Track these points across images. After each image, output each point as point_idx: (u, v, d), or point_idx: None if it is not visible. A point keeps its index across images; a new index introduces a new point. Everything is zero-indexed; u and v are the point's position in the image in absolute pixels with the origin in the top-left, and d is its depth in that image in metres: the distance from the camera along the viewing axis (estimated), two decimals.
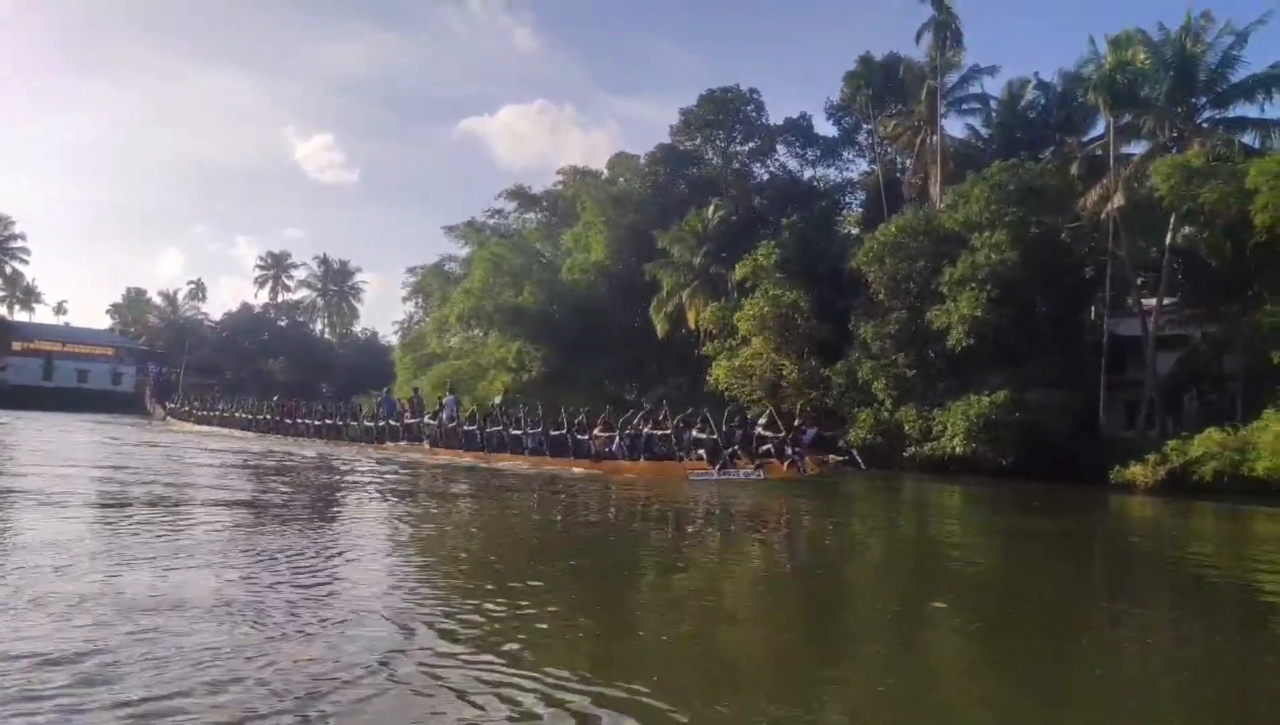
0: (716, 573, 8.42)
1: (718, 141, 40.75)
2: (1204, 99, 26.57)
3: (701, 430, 18.81)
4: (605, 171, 44.83)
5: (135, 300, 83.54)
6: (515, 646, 4.80)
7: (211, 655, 4.30)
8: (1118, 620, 7.04)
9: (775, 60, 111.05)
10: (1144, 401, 26.39)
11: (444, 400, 26.73)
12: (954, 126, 35.62)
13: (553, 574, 7.72)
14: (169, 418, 40.93)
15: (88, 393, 63.18)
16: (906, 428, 25.80)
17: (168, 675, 3.98)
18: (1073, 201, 27.68)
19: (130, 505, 10.59)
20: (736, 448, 17.92)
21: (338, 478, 17.21)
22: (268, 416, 33.30)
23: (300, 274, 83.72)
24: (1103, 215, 26.70)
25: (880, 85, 34.10)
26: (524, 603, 5.93)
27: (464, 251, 49.44)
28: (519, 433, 22.36)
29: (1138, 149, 27.81)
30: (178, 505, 10.87)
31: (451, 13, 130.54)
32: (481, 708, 3.82)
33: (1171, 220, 25.58)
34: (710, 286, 34.14)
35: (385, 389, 34.51)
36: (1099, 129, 30.32)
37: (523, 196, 48.52)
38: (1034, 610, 7.24)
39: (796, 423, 19.11)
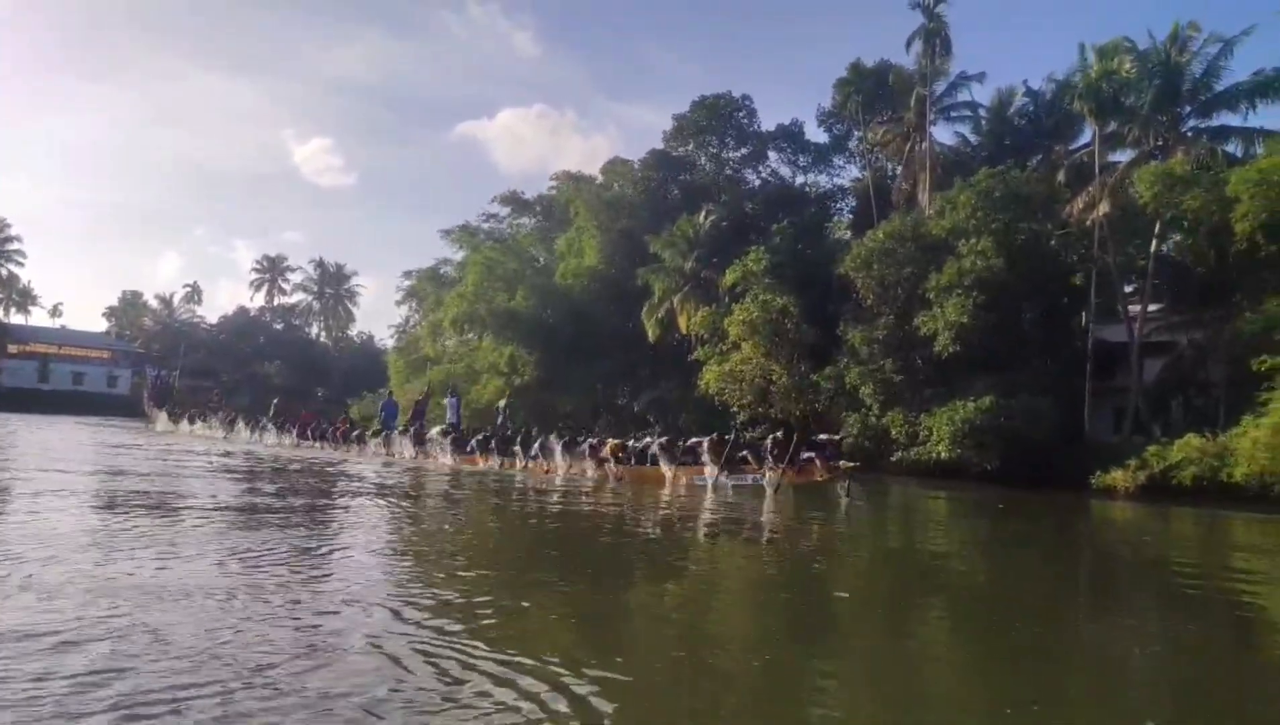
0: (707, 575, 8.43)
1: (710, 148, 41.00)
2: (1188, 108, 26.83)
3: (708, 447, 18.13)
4: (600, 176, 45.01)
5: (131, 303, 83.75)
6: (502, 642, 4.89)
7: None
8: (1096, 623, 7.20)
9: (772, 66, 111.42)
10: (1128, 407, 26.58)
11: (447, 402, 26.60)
12: (944, 134, 35.89)
13: (541, 575, 7.73)
14: (167, 422, 40.58)
15: (83, 395, 63.32)
16: (893, 432, 26.00)
17: (131, 649, 4.24)
18: (1060, 208, 27.94)
19: (125, 508, 10.73)
20: (745, 453, 17.77)
21: (337, 485, 16.84)
22: (268, 421, 32.94)
23: (296, 277, 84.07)
24: (1088, 222, 26.95)
25: (871, 92, 34.33)
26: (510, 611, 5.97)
27: (459, 255, 49.70)
28: (524, 441, 22.32)
29: (1124, 157, 28.12)
30: (176, 509, 11.01)
31: (451, 17, 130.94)
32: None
33: (1156, 227, 25.82)
34: (702, 291, 34.36)
35: (388, 393, 34.27)
36: (1086, 137, 30.59)
37: (516, 201, 48.77)
38: (1012, 613, 7.31)
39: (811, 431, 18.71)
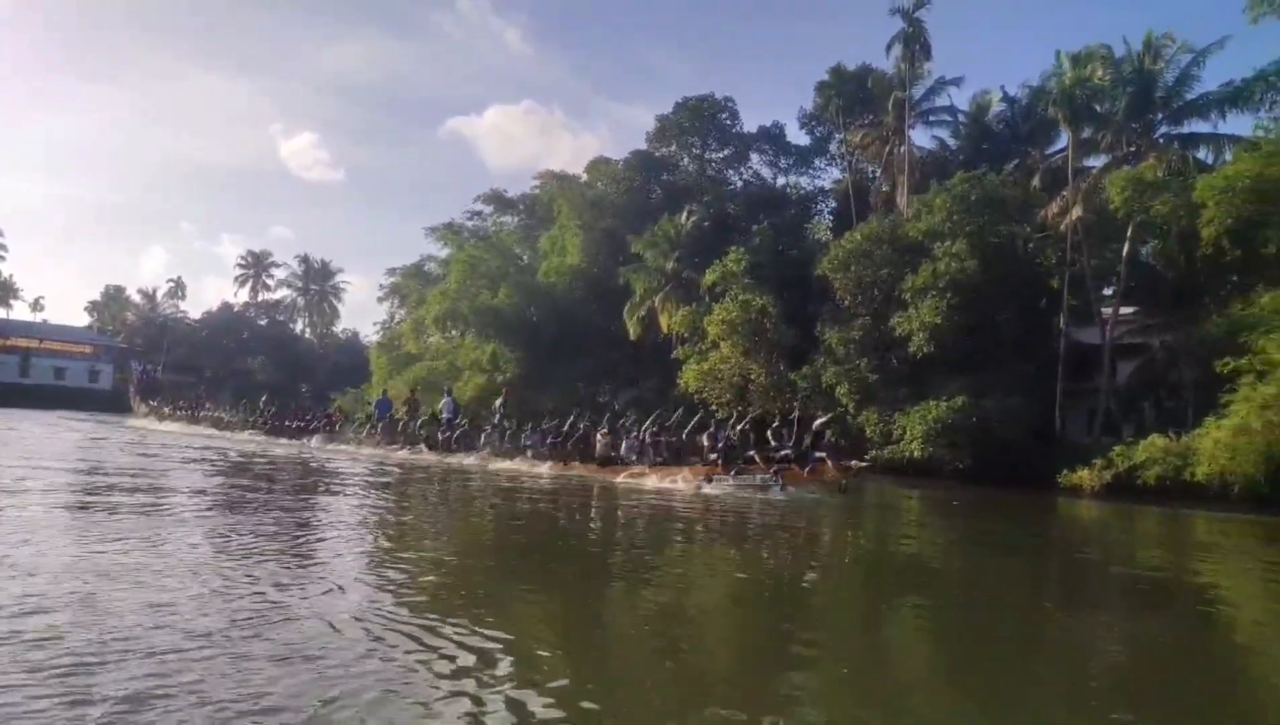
0: (696, 578, 8.35)
1: (693, 148, 41.29)
2: (1161, 115, 27.30)
3: (713, 435, 18.25)
4: (584, 176, 45.20)
5: (114, 298, 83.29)
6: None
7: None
8: (1064, 617, 7.34)
9: (760, 67, 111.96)
10: (1099, 409, 27.01)
11: (443, 401, 26.18)
12: (923, 137, 36.37)
13: (530, 579, 7.60)
14: (153, 417, 40.33)
15: (65, 390, 62.90)
16: (868, 431, 26.34)
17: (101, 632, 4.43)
18: (1036, 212, 28.35)
19: (110, 496, 10.88)
20: (753, 453, 17.37)
21: (329, 482, 16.57)
22: (258, 417, 32.46)
23: (281, 273, 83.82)
24: (1063, 226, 27.36)
25: (851, 95, 34.69)
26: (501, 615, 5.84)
27: (444, 253, 49.79)
28: (522, 435, 21.95)
29: (1098, 162, 28.57)
30: (166, 500, 11.15)
31: (441, 13, 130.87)
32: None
33: (1129, 232, 26.25)
34: (683, 291, 34.62)
35: (383, 391, 33.57)
36: (1062, 142, 31.00)
37: (500, 200, 48.92)
38: (980, 609, 7.45)
39: (815, 426, 18.09)
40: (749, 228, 35.41)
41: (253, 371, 70.83)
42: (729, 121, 40.65)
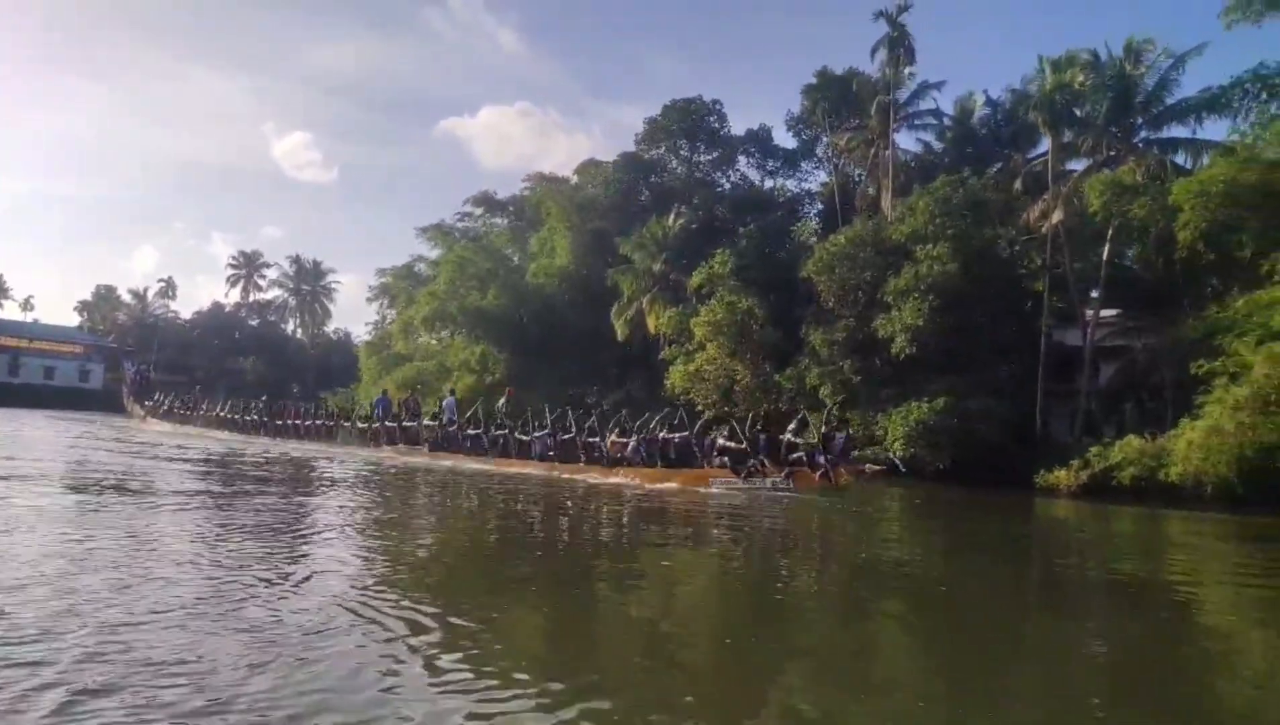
0: (685, 581, 8.38)
1: (681, 151, 41.51)
2: (1141, 119, 27.61)
3: (728, 437, 17.93)
4: (575, 177, 45.38)
5: (105, 298, 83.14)
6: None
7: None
8: (1041, 616, 7.54)
9: (753, 69, 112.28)
10: (1079, 411, 27.31)
11: (444, 402, 25.74)
12: (909, 141, 36.60)
13: (526, 585, 7.59)
14: (148, 417, 39.92)
15: (54, 390, 62.79)
16: (851, 432, 26.51)
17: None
18: (1018, 216, 28.65)
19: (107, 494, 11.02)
20: (763, 456, 17.00)
21: (330, 482, 16.36)
22: (255, 417, 31.96)
23: (273, 274, 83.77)
24: (1044, 229, 27.66)
25: (837, 99, 34.93)
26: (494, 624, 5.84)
27: (435, 253, 49.90)
28: (525, 437, 21.44)
29: (1080, 166, 28.87)
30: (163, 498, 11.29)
31: (434, 12, 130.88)
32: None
33: (1109, 235, 26.56)
34: (670, 293, 34.83)
35: (382, 391, 32.96)
36: (1045, 145, 31.27)
37: (489, 202, 49.08)
38: (957, 610, 7.54)
39: (823, 428, 17.88)
40: (736, 230, 35.67)
41: (244, 372, 70.85)
42: (717, 124, 40.90)
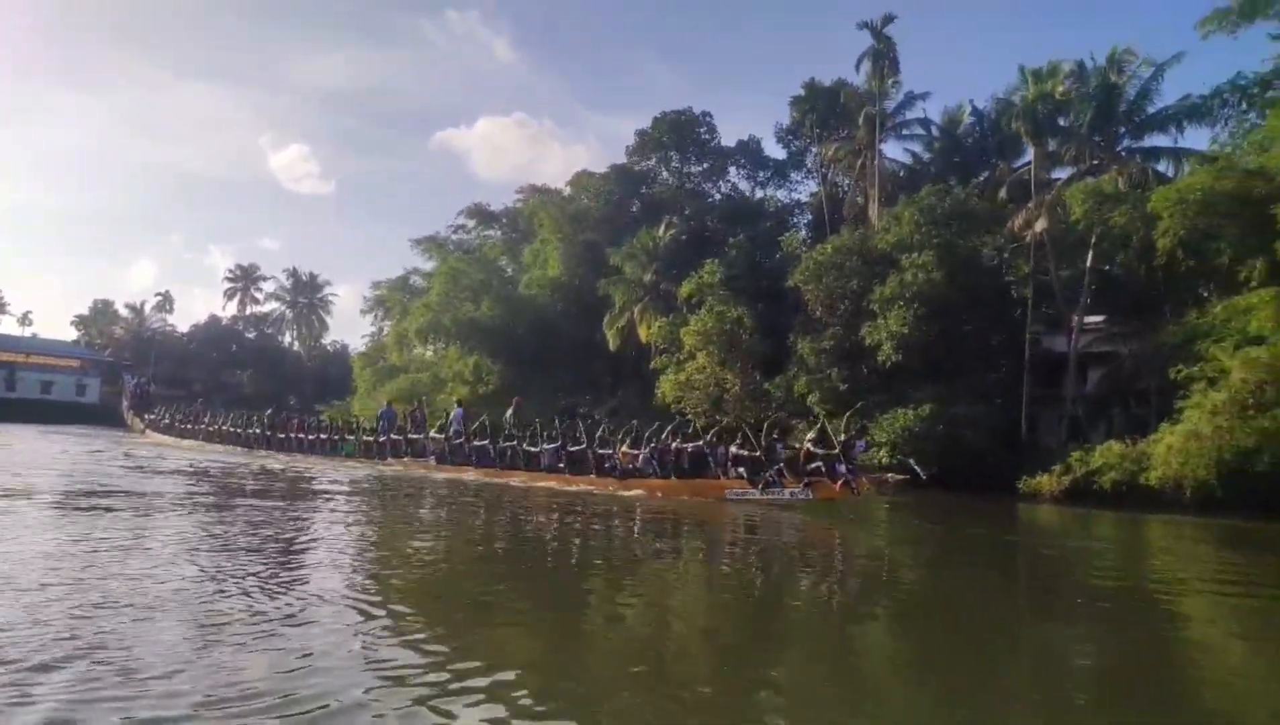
0: (682, 589, 8.36)
1: (672, 162, 41.92)
2: (1123, 128, 28.01)
3: (742, 446, 17.54)
4: (568, 189, 45.72)
5: (102, 312, 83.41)
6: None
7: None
8: (1026, 623, 7.63)
9: (747, 80, 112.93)
10: (1065, 416, 27.57)
11: (451, 413, 25.23)
12: (897, 151, 36.97)
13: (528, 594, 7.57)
14: (148, 430, 39.53)
15: (51, 404, 62.91)
16: (870, 440, 26.73)
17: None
18: (1003, 224, 28.94)
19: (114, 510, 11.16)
20: (781, 465, 16.64)
21: (334, 497, 15.90)
22: (258, 430, 31.32)
23: (269, 286, 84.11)
24: (1028, 238, 27.97)
25: (825, 110, 35.28)
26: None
27: (429, 265, 50.19)
28: (534, 448, 21.04)
29: (1065, 174, 29.23)
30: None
31: (430, 24, 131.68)
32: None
33: (1092, 242, 26.86)
34: (661, 302, 35.12)
35: (386, 402, 32.28)
36: (1030, 154, 31.66)
37: (483, 213, 49.45)
38: (946, 615, 7.60)
39: (842, 437, 17.33)
40: (726, 240, 35.98)
41: (241, 385, 71.10)
42: (707, 136, 41.33)
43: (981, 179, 33.04)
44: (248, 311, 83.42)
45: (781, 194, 42.19)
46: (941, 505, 20.83)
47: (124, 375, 59.51)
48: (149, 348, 74.44)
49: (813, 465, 16.53)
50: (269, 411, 34.10)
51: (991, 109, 34.04)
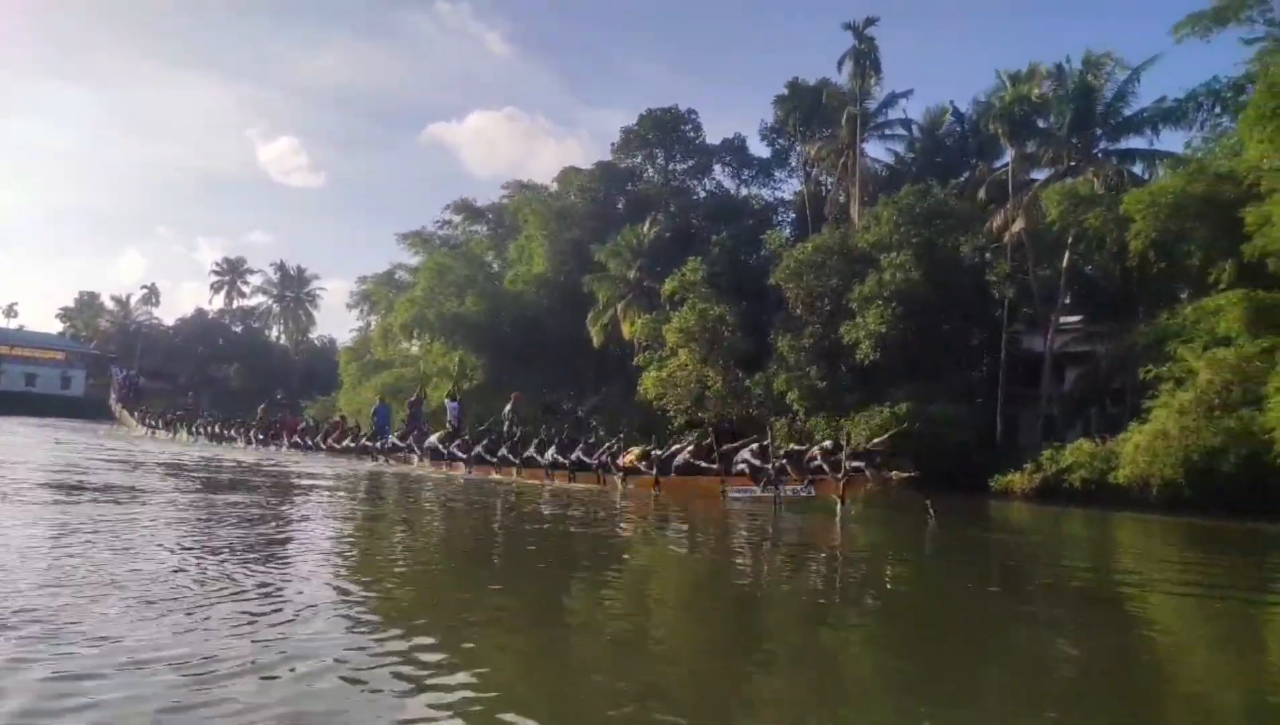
0: (665, 582, 8.38)
1: (657, 160, 42.10)
2: (1100, 130, 28.31)
3: (757, 455, 16.60)
4: (555, 185, 45.85)
5: (88, 304, 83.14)
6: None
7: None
8: (1001, 624, 7.48)
9: (738, 75, 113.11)
10: (1040, 415, 27.93)
11: (447, 406, 24.95)
12: (879, 150, 37.26)
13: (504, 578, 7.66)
14: (139, 425, 39.08)
15: (35, 396, 62.89)
16: (817, 437, 26.98)
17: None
18: (982, 224, 29.25)
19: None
20: (785, 462, 16.23)
21: (326, 492, 15.61)
22: (252, 425, 31.17)
23: (256, 280, 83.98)
24: (1006, 238, 28.30)
25: (808, 109, 35.50)
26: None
27: (415, 260, 50.20)
28: (534, 449, 20.73)
29: (1043, 176, 29.55)
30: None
31: (421, 17, 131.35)
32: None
33: (1069, 243, 27.19)
34: (644, 299, 35.30)
35: (378, 399, 31.75)
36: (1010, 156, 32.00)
37: (469, 209, 49.52)
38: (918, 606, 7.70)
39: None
40: (711, 237, 36.19)
41: (227, 378, 71.05)
42: (692, 133, 41.53)
43: (962, 179, 33.35)
44: (234, 305, 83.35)
45: (766, 192, 42.48)
46: (919, 503, 20.94)
47: (112, 368, 58.90)
48: (135, 341, 74.35)
49: (815, 463, 16.23)
50: (262, 406, 33.91)
51: (972, 110, 34.37)
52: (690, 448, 18.48)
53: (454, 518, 13.67)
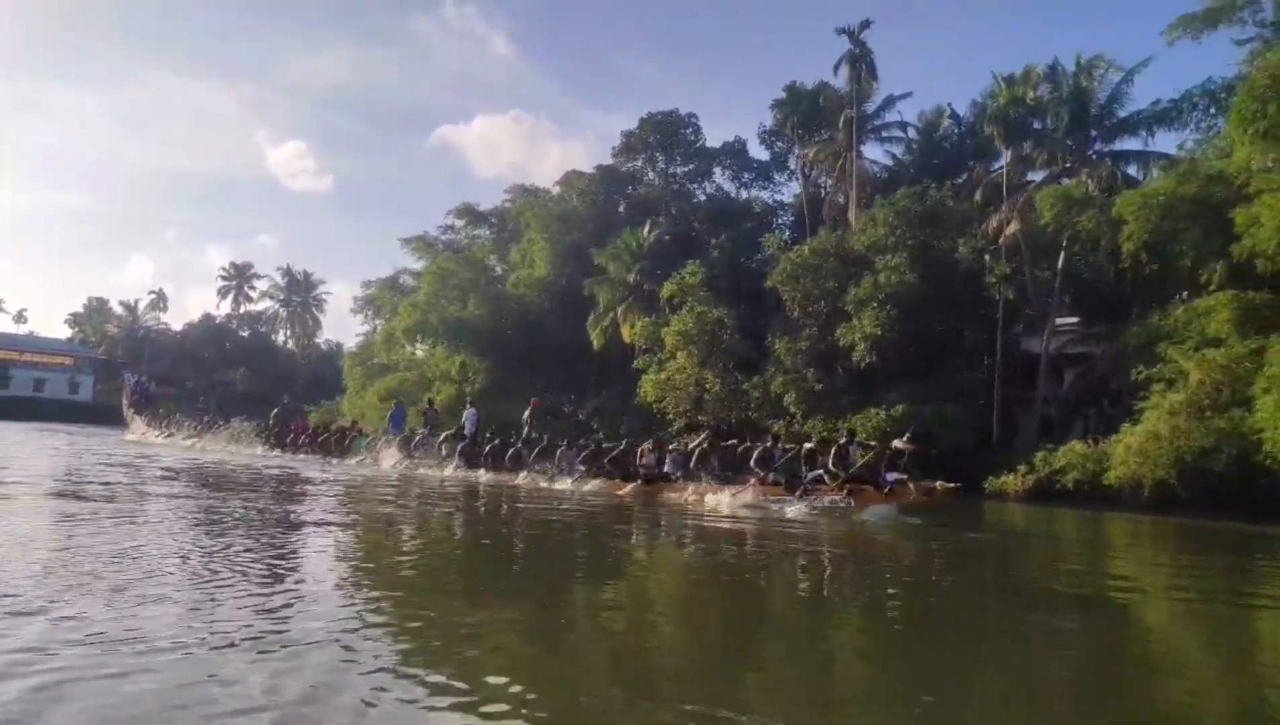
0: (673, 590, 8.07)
1: (658, 163, 42.37)
2: (1095, 132, 28.42)
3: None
4: (557, 189, 46.11)
5: (96, 310, 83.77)
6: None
7: None
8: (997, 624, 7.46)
9: (738, 79, 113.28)
10: (1037, 416, 28.05)
11: (465, 413, 24.75)
12: (877, 153, 37.43)
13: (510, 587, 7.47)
14: (150, 430, 39.29)
15: (44, 402, 63.25)
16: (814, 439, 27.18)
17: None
18: (979, 226, 29.38)
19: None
20: (821, 471, 15.81)
21: (339, 497, 14.99)
22: (265, 431, 30.61)
23: (263, 285, 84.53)
24: (1000, 240, 28.44)
25: (806, 113, 35.71)
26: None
27: (419, 265, 50.55)
28: (553, 453, 20.26)
29: (1039, 177, 29.66)
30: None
31: (427, 21, 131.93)
32: None
33: (1064, 245, 27.31)
34: (644, 302, 35.53)
35: (395, 402, 31.25)
36: (1006, 158, 32.10)
37: (472, 213, 49.86)
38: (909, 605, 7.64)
39: (894, 444, 16.40)
40: (710, 240, 36.41)
41: (234, 383, 71.48)
42: (692, 137, 41.80)
43: (959, 181, 33.47)
44: (241, 310, 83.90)
45: (765, 195, 42.74)
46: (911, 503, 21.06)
47: (124, 373, 58.99)
48: (143, 346, 74.90)
49: (853, 472, 15.76)
50: (275, 411, 33.56)
51: (970, 112, 34.52)
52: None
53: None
